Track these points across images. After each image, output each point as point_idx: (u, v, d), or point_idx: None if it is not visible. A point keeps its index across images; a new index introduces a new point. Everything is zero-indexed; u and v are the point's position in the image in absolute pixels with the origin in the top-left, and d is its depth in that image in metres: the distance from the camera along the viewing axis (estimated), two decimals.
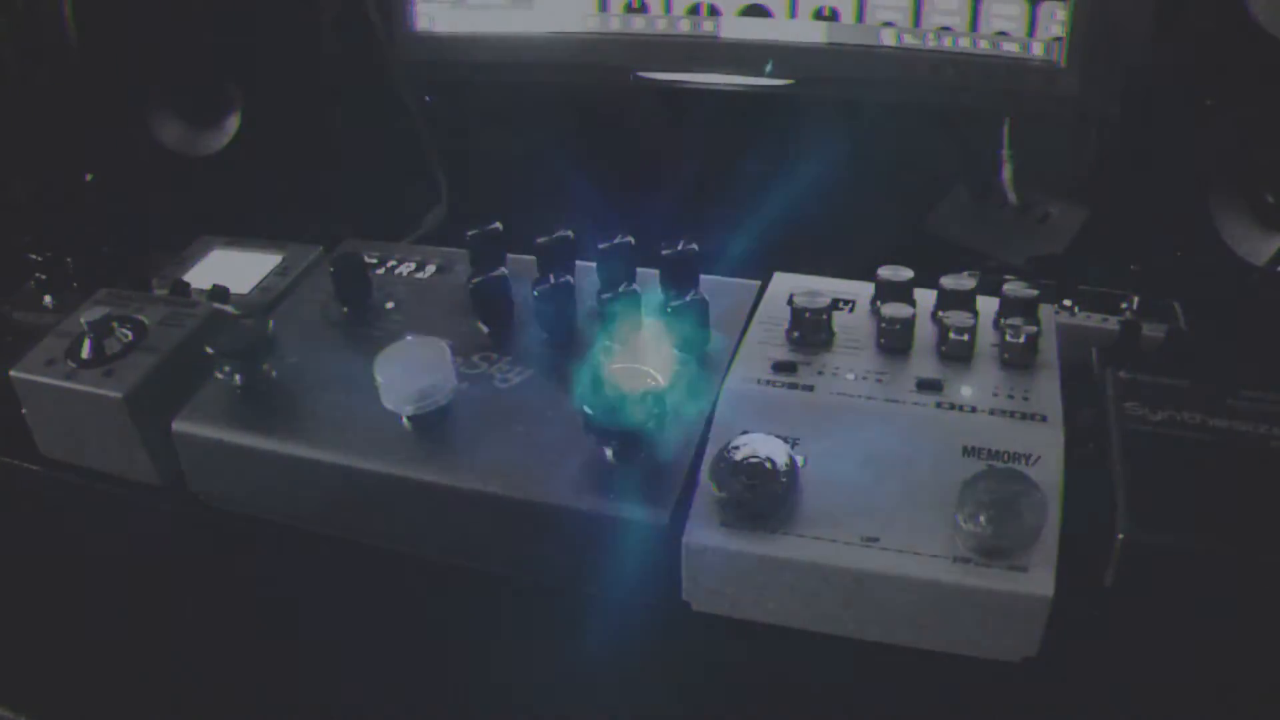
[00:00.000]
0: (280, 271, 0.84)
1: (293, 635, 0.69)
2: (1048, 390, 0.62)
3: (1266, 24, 0.74)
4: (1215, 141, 0.81)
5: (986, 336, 0.66)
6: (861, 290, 0.71)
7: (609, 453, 0.61)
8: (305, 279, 0.83)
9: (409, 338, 0.67)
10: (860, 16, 0.86)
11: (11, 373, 0.71)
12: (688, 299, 0.68)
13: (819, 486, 0.58)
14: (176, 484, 0.70)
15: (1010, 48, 0.82)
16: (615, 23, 0.92)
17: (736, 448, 0.58)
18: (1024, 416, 0.60)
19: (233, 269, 0.85)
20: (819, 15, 0.87)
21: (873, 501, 0.57)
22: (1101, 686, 0.56)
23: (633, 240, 0.72)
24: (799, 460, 0.58)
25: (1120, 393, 0.61)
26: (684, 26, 0.91)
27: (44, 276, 0.82)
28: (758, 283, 0.74)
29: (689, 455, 0.61)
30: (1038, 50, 0.81)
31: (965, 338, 0.64)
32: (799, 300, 0.67)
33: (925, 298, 0.69)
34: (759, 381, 0.64)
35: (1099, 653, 0.56)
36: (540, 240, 0.73)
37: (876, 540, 0.56)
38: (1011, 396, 0.61)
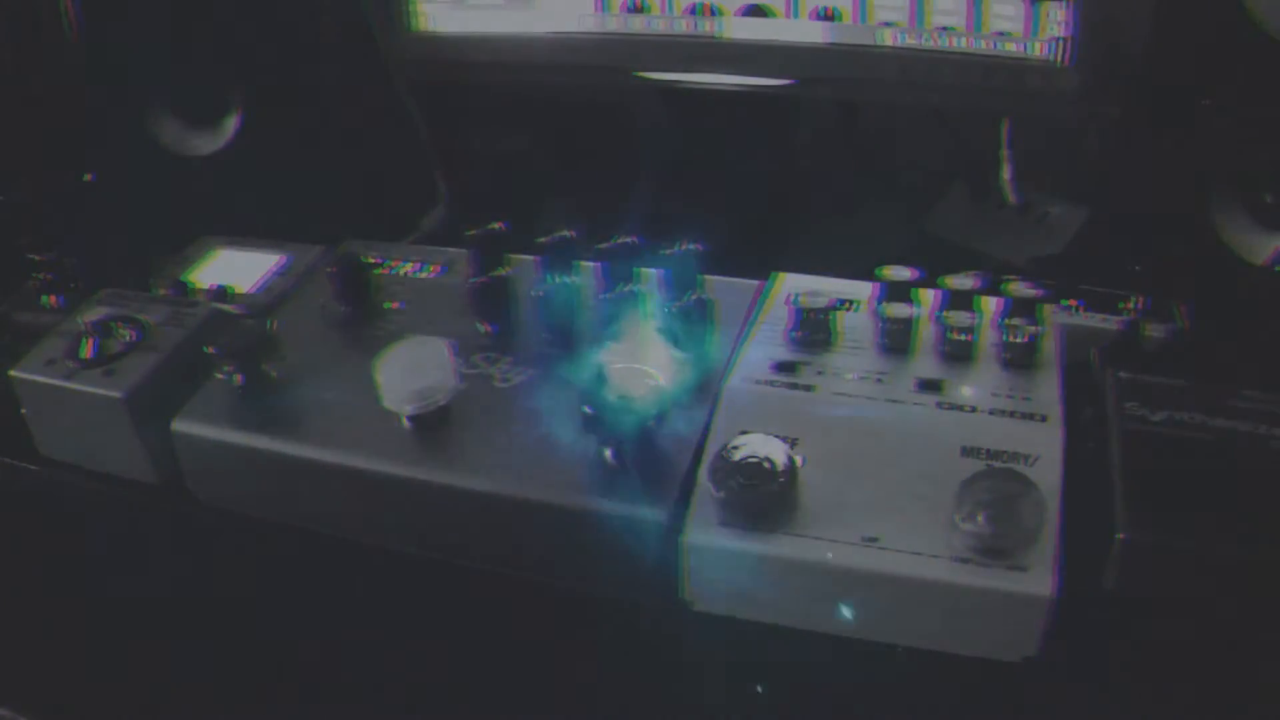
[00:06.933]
0: (281, 272, 0.84)
1: (293, 635, 0.69)
2: (1048, 390, 0.62)
3: (1266, 24, 0.74)
4: (1215, 141, 0.81)
5: (987, 336, 0.66)
6: (862, 290, 0.71)
7: (609, 452, 0.61)
8: (306, 279, 0.83)
9: (410, 338, 0.67)
10: (861, 17, 0.86)
11: (12, 373, 0.71)
12: (689, 299, 0.68)
13: (819, 486, 0.58)
14: (176, 484, 0.70)
15: (1010, 48, 0.82)
16: (615, 23, 0.92)
17: (735, 448, 0.58)
18: (1025, 416, 0.60)
19: (233, 269, 0.85)
20: (819, 15, 0.87)
21: (873, 501, 0.57)
22: (1101, 686, 0.56)
23: (634, 240, 0.72)
24: (798, 460, 0.58)
25: (1121, 393, 0.61)
26: (684, 26, 0.90)
27: (44, 276, 0.82)
28: (759, 283, 0.74)
29: (689, 455, 0.61)
30: (1038, 50, 0.81)
31: (966, 338, 0.64)
32: (800, 300, 0.67)
33: (926, 298, 0.69)
34: (760, 381, 0.64)
35: (1098, 653, 0.56)
36: (541, 240, 0.73)
37: (876, 540, 0.56)
38: (1012, 396, 0.61)
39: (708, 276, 0.72)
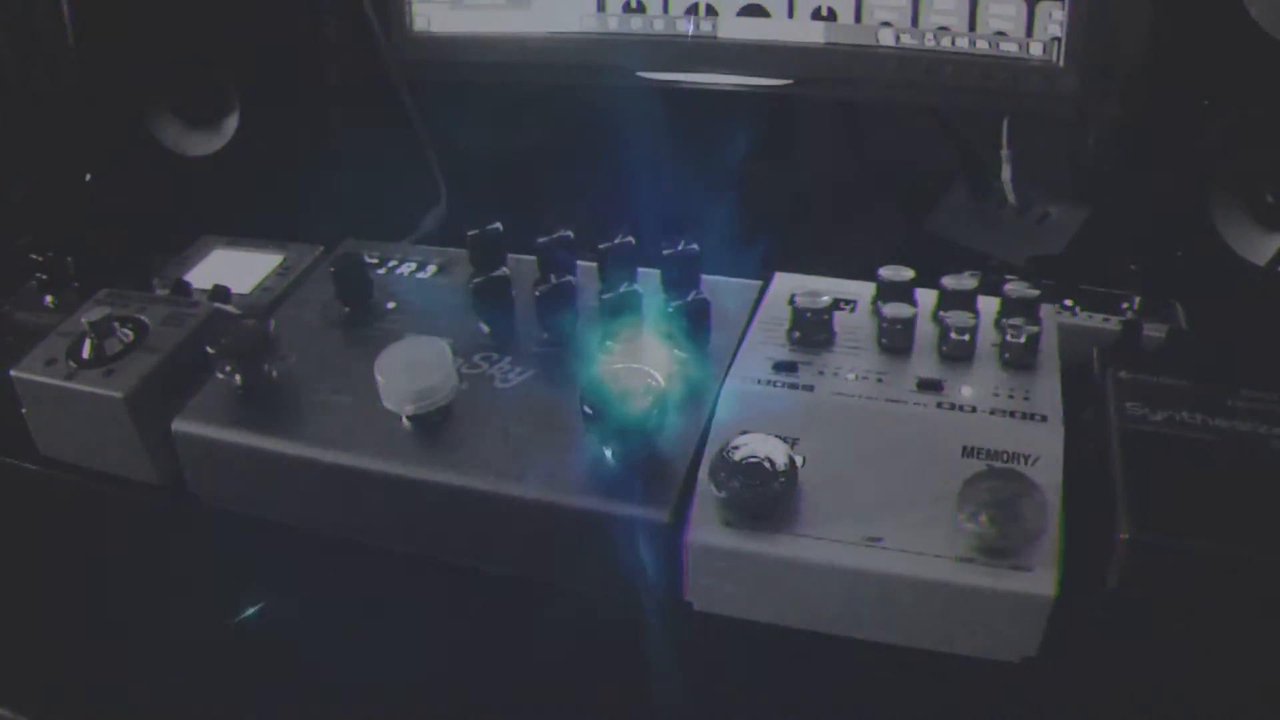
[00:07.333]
0: (281, 271, 0.84)
1: (293, 635, 0.69)
2: (1048, 390, 0.62)
3: (1266, 24, 0.74)
4: (1215, 141, 0.81)
5: (987, 336, 0.66)
6: (862, 290, 0.71)
7: (609, 452, 0.61)
8: (306, 279, 0.83)
9: (409, 337, 0.67)
10: (858, 17, 0.86)
11: (12, 372, 0.71)
12: (688, 299, 0.68)
13: (820, 486, 0.58)
14: (176, 484, 0.70)
15: (1009, 48, 0.82)
16: (613, 23, 0.92)
17: (735, 448, 0.58)
18: (1024, 416, 0.60)
19: (233, 269, 0.85)
20: (817, 15, 0.87)
21: (874, 501, 0.57)
22: (1101, 686, 0.56)
23: (633, 240, 0.72)
24: (798, 460, 0.58)
25: (1120, 393, 0.61)
26: (682, 26, 0.91)
27: (44, 276, 0.82)
28: (758, 283, 0.74)
29: (689, 455, 0.61)
30: (1036, 50, 0.81)
31: (966, 338, 0.64)
32: (800, 300, 0.67)
33: (926, 298, 0.69)
34: (759, 381, 0.64)
35: (1098, 653, 0.56)
36: (540, 240, 0.73)
37: (879, 540, 0.56)
38: (1012, 396, 0.62)
39: (708, 276, 0.72)
